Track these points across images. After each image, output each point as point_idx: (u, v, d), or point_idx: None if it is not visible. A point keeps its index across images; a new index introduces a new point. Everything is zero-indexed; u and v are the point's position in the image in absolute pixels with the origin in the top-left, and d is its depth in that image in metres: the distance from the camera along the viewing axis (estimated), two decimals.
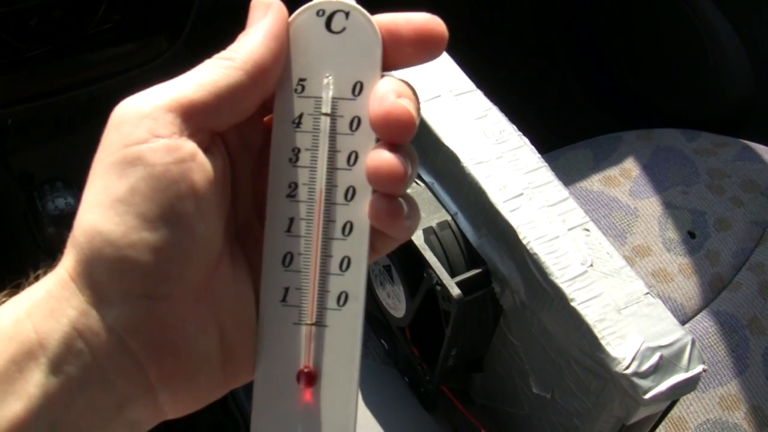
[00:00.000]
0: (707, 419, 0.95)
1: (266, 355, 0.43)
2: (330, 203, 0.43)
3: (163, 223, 0.39)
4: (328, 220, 0.43)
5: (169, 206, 0.39)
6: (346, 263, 0.42)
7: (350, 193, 0.42)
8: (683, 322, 1.01)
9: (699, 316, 1.02)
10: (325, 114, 0.42)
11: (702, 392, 0.96)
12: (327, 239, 0.43)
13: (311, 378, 0.43)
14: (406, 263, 0.78)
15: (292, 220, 0.43)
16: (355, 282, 0.43)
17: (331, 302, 0.43)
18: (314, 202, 0.43)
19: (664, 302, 0.99)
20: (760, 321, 1.02)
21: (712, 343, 0.99)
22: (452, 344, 0.77)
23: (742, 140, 1.20)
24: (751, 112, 1.44)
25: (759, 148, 1.18)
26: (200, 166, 0.40)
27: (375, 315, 0.90)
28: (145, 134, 0.39)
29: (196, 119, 0.40)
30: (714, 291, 1.04)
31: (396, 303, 0.83)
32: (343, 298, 0.42)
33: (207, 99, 0.40)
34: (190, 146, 0.40)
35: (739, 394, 0.97)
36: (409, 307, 0.80)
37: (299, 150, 0.43)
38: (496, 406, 0.87)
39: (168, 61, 1.15)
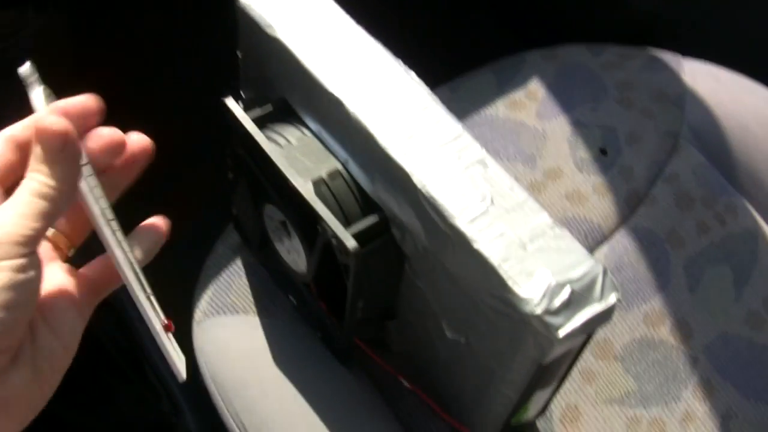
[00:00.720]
0: (633, 338, 0.93)
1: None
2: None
3: None
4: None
5: None
6: None
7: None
8: (601, 242, 0.98)
9: (617, 234, 0.99)
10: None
11: (626, 311, 0.94)
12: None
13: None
14: (300, 218, 0.74)
15: None
16: None
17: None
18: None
19: (580, 224, 0.97)
20: (678, 233, 1.00)
21: (633, 261, 0.97)
22: (357, 297, 0.73)
23: (649, 50, 1.16)
24: (656, 21, 1.40)
25: (666, 56, 1.15)
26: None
27: (279, 271, 0.86)
28: None
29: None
30: (630, 207, 1.01)
31: (296, 258, 0.79)
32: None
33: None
34: None
35: (663, 309, 0.95)
36: (310, 262, 0.76)
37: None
38: (413, 351, 0.84)
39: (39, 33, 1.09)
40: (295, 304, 0.86)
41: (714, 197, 1.03)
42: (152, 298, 0.59)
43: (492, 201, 0.67)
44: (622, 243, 0.98)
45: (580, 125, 1.06)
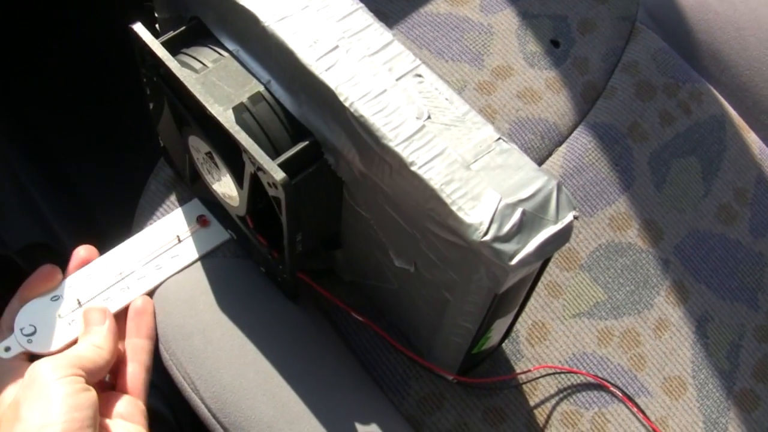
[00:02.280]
0: (599, 245, 0.87)
1: None
2: None
3: None
4: None
5: None
6: None
7: None
8: (559, 143, 0.92)
9: (575, 132, 0.92)
10: None
11: (590, 216, 0.88)
12: None
13: None
14: (225, 148, 0.67)
15: None
16: None
17: None
18: None
19: (535, 125, 0.90)
20: (640, 126, 0.93)
21: (594, 160, 0.91)
22: (293, 230, 0.67)
23: None
24: None
25: None
26: None
27: (216, 204, 0.79)
28: None
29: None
30: (588, 102, 0.94)
31: (228, 192, 0.72)
32: None
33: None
34: None
35: (629, 210, 0.89)
36: (242, 195, 0.70)
37: None
38: (365, 281, 0.78)
39: None
40: (234, 238, 0.79)
41: (677, 84, 0.97)
42: None
43: (429, 116, 0.60)
44: (582, 142, 0.92)
45: (528, 16, 0.98)
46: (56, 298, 0.75)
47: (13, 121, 1.33)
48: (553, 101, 0.93)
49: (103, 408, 0.69)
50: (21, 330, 0.72)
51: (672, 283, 0.86)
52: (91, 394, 0.63)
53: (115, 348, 0.71)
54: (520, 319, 0.78)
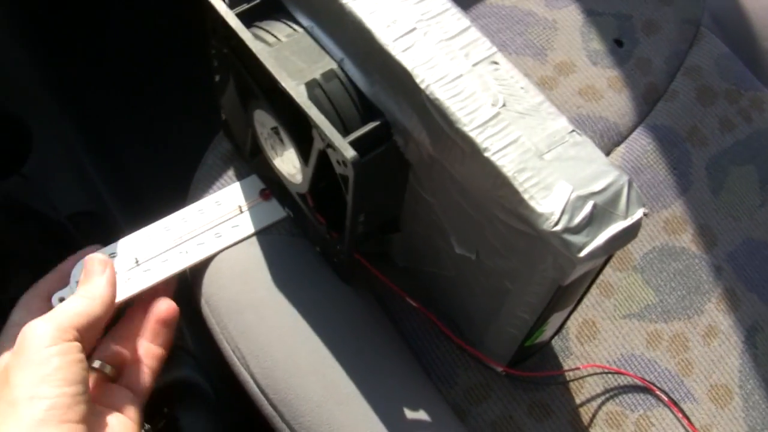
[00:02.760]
0: (653, 247, 0.86)
1: None
2: None
3: None
4: None
5: None
6: None
7: None
8: (618, 143, 0.91)
9: (635, 133, 0.92)
10: None
11: (646, 218, 0.87)
12: None
13: None
14: (293, 124, 0.67)
15: None
16: None
17: None
18: None
19: (595, 123, 0.90)
20: (700, 131, 0.93)
21: (652, 162, 0.90)
22: (357, 210, 0.67)
23: None
24: None
25: None
26: None
27: (274, 181, 0.79)
28: None
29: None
30: (648, 103, 0.94)
31: (291, 168, 0.72)
32: None
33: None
34: None
35: (685, 214, 0.88)
36: (306, 172, 0.70)
37: None
38: (420, 267, 0.78)
39: None
40: (291, 216, 0.79)
41: (738, 91, 0.96)
42: None
43: (504, 104, 0.60)
44: (640, 143, 0.91)
45: (593, 14, 0.98)
46: (114, 255, 0.75)
47: (67, 94, 1.34)
48: (614, 100, 0.92)
49: (100, 397, 0.69)
50: (77, 282, 0.73)
51: (723, 290, 0.86)
52: (83, 366, 0.63)
53: (112, 300, 0.70)
54: (570, 316, 0.78)
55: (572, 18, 0.97)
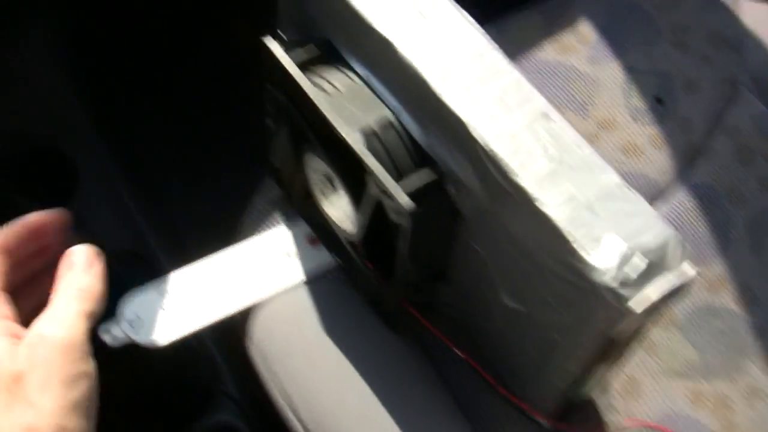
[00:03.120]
0: (695, 305, 0.87)
1: None
2: None
3: None
4: None
5: None
6: None
7: None
8: (657, 199, 0.92)
9: (674, 190, 0.93)
10: None
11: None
12: None
13: None
14: (347, 170, 0.68)
15: None
16: None
17: None
18: None
19: (635, 179, 0.90)
20: (739, 189, 0.93)
21: (692, 220, 0.91)
22: (409, 259, 0.68)
23: None
24: None
25: None
26: None
27: (323, 227, 0.80)
28: None
29: None
30: (688, 161, 0.95)
31: (342, 215, 0.73)
32: None
33: None
34: None
35: (725, 273, 0.89)
36: (358, 219, 0.71)
37: None
38: (467, 318, 0.78)
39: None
40: (340, 263, 0.80)
41: None
42: None
43: (557, 157, 0.61)
44: (680, 200, 0.92)
45: (634, 71, 0.99)
46: (162, 292, 0.76)
47: (113, 131, 1.35)
48: (654, 157, 0.93)
49: None
50: (124, 316, 0.74)
51: (766, 350, 0.86)
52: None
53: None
54: (613, 372, 0.78)
55: (614, 75, 0.98)
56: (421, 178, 0.65)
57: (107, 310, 0.77)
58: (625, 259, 0.57)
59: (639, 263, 0.57)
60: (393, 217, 0.64)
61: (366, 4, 0.66)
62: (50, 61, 1.24)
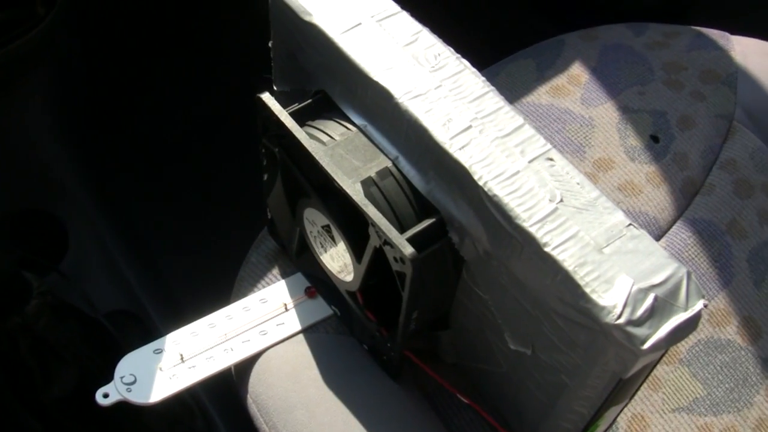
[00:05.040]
0: (698, 340, 0.86)
1: None
2: None
3: None
4: None
5: None
6: None
7: None
8: (659, 237, 0.91)
9: (675, 227, 0.92)
10: None
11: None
12: None
13: None
14: (346, 221, 0.68)
15: None
16: None
17: None
18: None
19: (635, 218, 0.90)
20: (739, 223, 0.93)
21: (693, 256, 0.90)
22: (412, 307, 0.67)
23: (693, 27, 1.10)
24: None
25: (712, 33, 1.09)
26: None
27: (321, 279, 0.79)
28: None
29: None
30: (687, 197, 0.94)
31: (342, 266, 0.73)
32: None
33: None
34: None
35: (728, 306, 0.88)
36: (358, 270, 0.70)
37: None
38: (470, 364, 0.77)
39: (49, 29, 1.03)
40: (338, 314, 0.79)
41: None
42: None
43: (561, 199, 0.61)
44: (681, 236, 0.91)
45: (628, 111, 0.99)
46: (159, 351, 0.76)
47: (102, 191, 1.35)
48: (653, 195, 0.93)
49: None
50: (121, 378, 0.73)
51: None
52: None
53: None
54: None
55: (608, 115, 0.98)
56: (422, 226, 0.65)
57: (103, 372, 0.76)
58: (639, 300, 0.56)
59: (652, 303, 0.57)
60: (395, 266, 0.63)
61: (362, 55, 0.67)
62: (44, 126, 1.24)
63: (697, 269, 0.90)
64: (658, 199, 0.93)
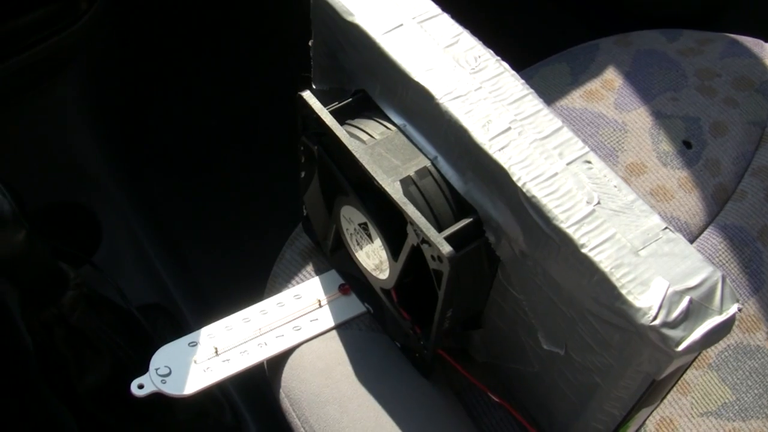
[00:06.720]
0: (728, 345, 0.87)
1: None
2: None
3: None
4: None
5: None
6: None
7: None
8: (690, 242, 0.91)
9: (706, 233, 0.93)
10: None
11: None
12: None
13: None
14: (384, 219, 0.69)
15: None
16: None
17: None
18: None
19: (667, 222, 0.90)
20: None
21: (724, 261, 0.91)
22: (447, 306, 0.68)
23: (727, 34, 1.10)
24: (730, 1, 1.34)
25: (746, 40, 1.09)
26: None
27: (355, 277, 0.80)
28: None
29: None
30: (718, 203, 0.95)
31: (377, 264, 0.74)
32: None
33: None
34: None
35: (758, 313, 0.89)
36: (394, 267, 0.71)
37: None
38: (502, 364, 0.78)
39: (90, 24, 1.04)
40: (371, 312, 0.80)
41: None
42: None
43: (599, 201, 0.61)
44: (712, 242, 0.92)
45: (661, 116, 0.99)
46: (194, 344, 0.77)
47: (136, 185, 1.37)
48: (684, 201, 0.93)
49: None
50: (156, 370, 0.74)
51: None
52: None
53: None
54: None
55: (641, 120, 0.99)
56: (460, 225, 0.65)
57: (135, 364, 0.77)
58: (674, 303, 0.57)
59: (687, 306, 0.57)
60: (432, 264, 0.64)
61: (404, 55, 0.67)
62: (79, 120, 1.25)
63: (728, 275, 0.90)
64: (689, 204, 0.94)
